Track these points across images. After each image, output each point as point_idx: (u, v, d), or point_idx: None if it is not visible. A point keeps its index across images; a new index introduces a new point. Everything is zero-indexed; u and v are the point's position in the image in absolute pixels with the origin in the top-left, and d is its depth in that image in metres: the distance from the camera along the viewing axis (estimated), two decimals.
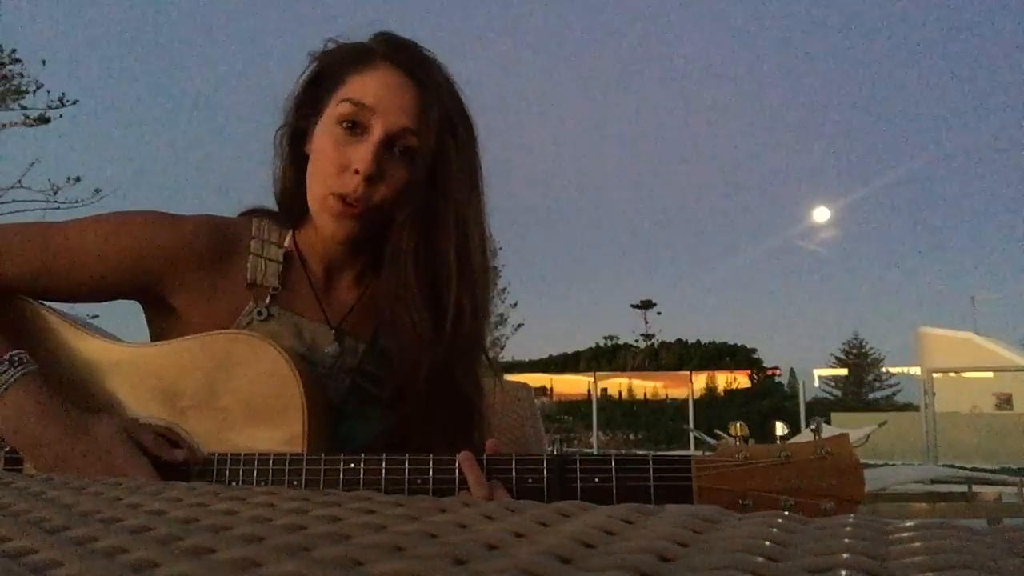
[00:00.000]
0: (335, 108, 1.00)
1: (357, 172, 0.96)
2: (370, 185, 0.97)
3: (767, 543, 0.28)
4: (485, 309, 1.05)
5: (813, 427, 0.80)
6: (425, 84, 1.00)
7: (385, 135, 0.97)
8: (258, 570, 0.27)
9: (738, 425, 0.84)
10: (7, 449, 0.94)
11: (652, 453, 0.83)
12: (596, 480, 0.83)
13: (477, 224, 1.03)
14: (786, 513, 0.33)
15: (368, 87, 0.99)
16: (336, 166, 0.98)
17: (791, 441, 0.81)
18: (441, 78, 1.02)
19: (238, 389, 0.93)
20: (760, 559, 0.26)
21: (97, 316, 1.58)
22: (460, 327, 0.99)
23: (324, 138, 1.00)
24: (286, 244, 1.08)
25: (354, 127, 0.98)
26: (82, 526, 0.35)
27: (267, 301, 1.04)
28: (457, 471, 0.86)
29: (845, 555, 0.26)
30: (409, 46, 1.03)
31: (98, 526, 0.35)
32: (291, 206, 1.07)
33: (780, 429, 0.81)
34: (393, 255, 1.01)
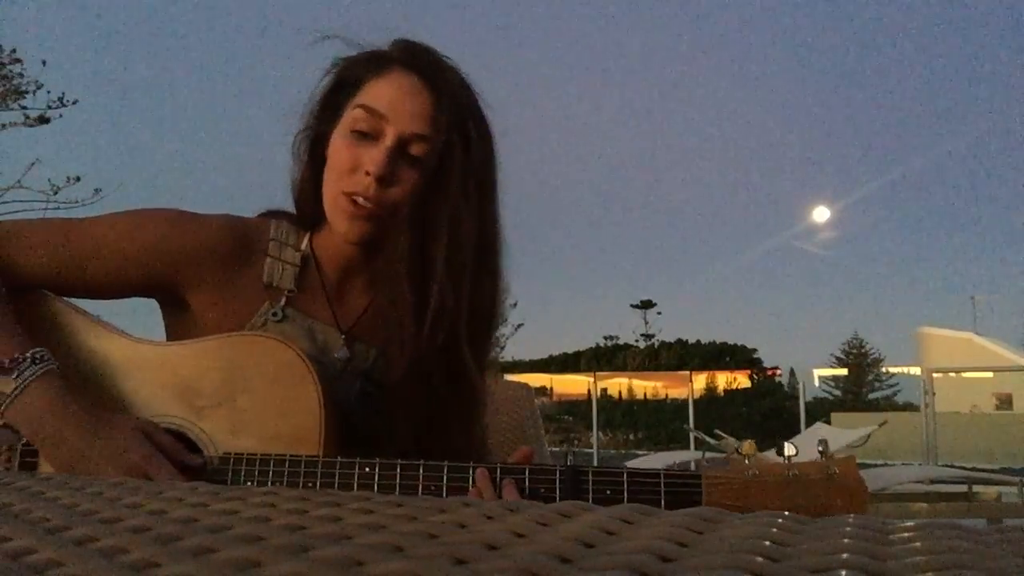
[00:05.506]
0: (350, 114, 1.01)
1: (368, 174, 0.98)
2: (382, 187, 0.98)
3: (767, 543, 0.28)
4: (491, 311, 1.05)
5: (820, 448, 0.83)
6: (439, 89, 1.01)
7: (397, 141, 0.99)
8: (258, 570, 0.27)
9: (747, 443, 0.85)
10: (23, 443, 0.94)
11: (663, 470, 0.84)
12: (607, 492, 0.84)
13: (482, 225, 1.02)
14: (786, 513, 0.33)
15: (382, 93, 1.00)
16: (348, 167, 0.99)
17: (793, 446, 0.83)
18: (456, 81, 1.03)
19: (256, 390, 0.94)
20: (760, 559, 0.26)
21: (99, 316, 1.57)
22: (438, 327, 0.98)
23: (339, 141, 1.01)
24: (303, 247, 1.09)
25: (367, 133, 1.00)
26: (82, 526, 0.35)
27: (282, 303, 1.05)
28: (471, 477, 0.86)
29: (845, 555, 0.26)
30: (425, 51, 1.04)
31: (98, 526, 0.35)
32: (308, 209, 1.08)
33: (788, 449, 0.83)
34: (388, 256, 1.02)
